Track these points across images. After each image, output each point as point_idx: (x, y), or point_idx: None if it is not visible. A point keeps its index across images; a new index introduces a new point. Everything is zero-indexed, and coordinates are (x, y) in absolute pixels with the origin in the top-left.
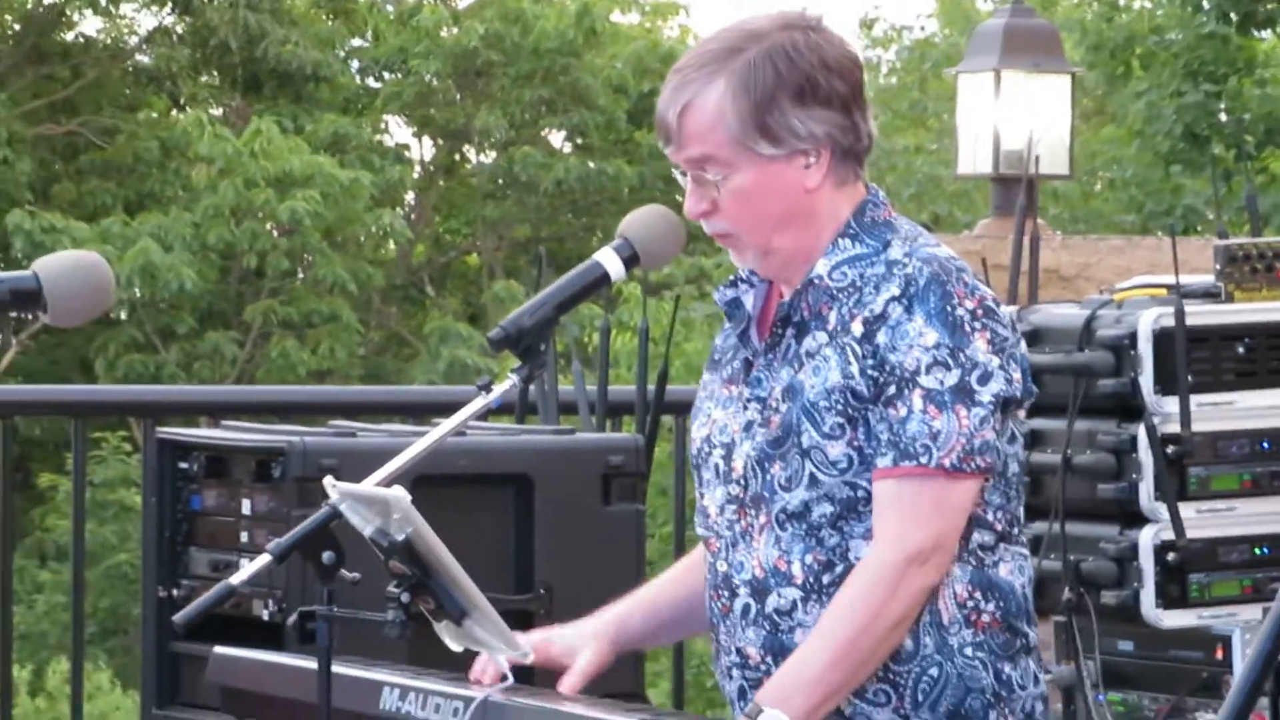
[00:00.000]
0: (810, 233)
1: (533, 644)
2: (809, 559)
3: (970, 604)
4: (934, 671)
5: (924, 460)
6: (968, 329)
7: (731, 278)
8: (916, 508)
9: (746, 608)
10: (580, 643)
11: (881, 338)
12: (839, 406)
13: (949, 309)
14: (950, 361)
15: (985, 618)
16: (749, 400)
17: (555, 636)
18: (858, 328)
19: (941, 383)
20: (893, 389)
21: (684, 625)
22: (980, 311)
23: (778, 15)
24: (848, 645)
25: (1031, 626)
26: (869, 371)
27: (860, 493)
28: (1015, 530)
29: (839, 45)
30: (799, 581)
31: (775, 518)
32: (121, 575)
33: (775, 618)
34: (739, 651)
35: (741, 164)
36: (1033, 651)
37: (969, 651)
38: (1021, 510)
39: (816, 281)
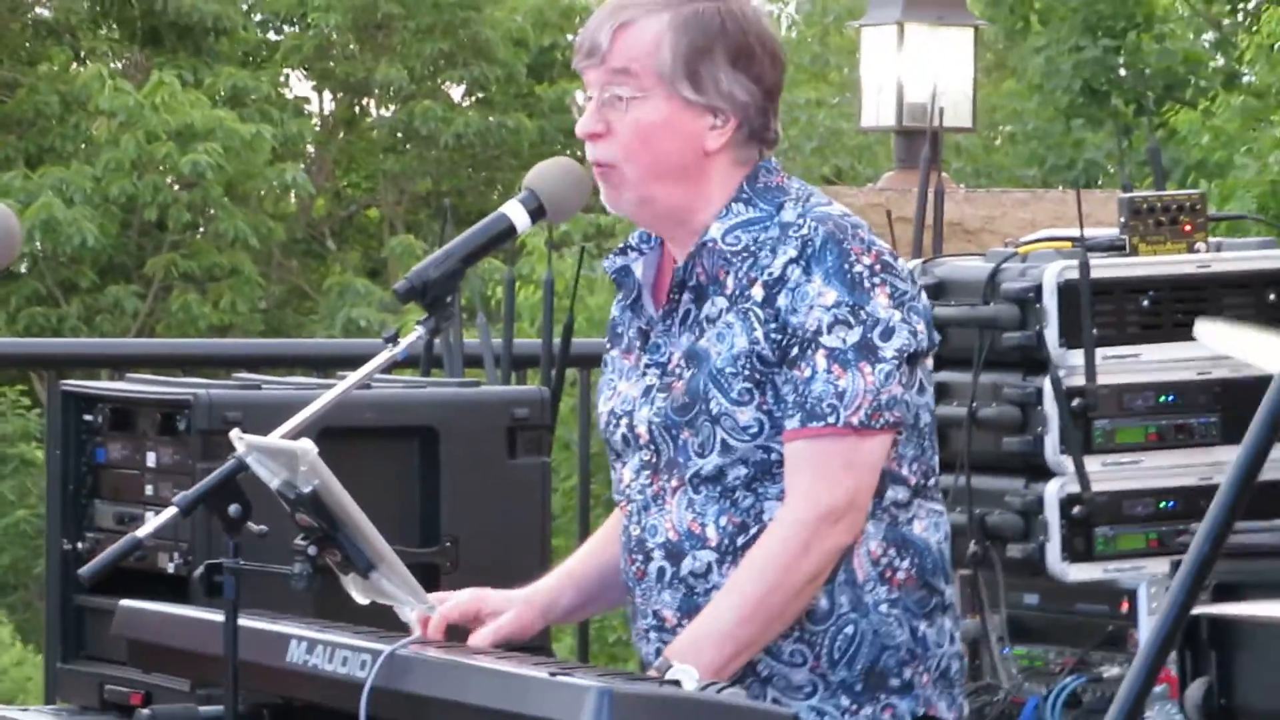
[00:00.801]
0: (694, 193)
1: (466, 600)
2: (723, 521)
3: (884, 561)
4: (849, 630)
5: (831, 419)
6: (866, 285)
7: (621, 245)
8: (827, 467)
9: (661, 571)
10: (508, 606)
11: (782, 300)
12: (745, 372)
13: (846, 266)
14: (851, 319)
15: (900, 575)
16: (648, 366)
17: (486, 598)
18: (758, 292)
19: (844, 341)
20: (796, 350)
21: (607, 597)
22: (878, 266)
23: None
24: (758, 601)
25: (948, 584)
26: (772, 335)
27: (774, 455)
28: (930, 483)
29: (776, 39)
30: (713, 544)
31: (689, 481)
32: (20, 531)
33: (690, 580)
34: (655, 614)
35: (656, 96)
36: (949, 609)
37: (884, 609)
38: (935, 461)
39: (710, 245)
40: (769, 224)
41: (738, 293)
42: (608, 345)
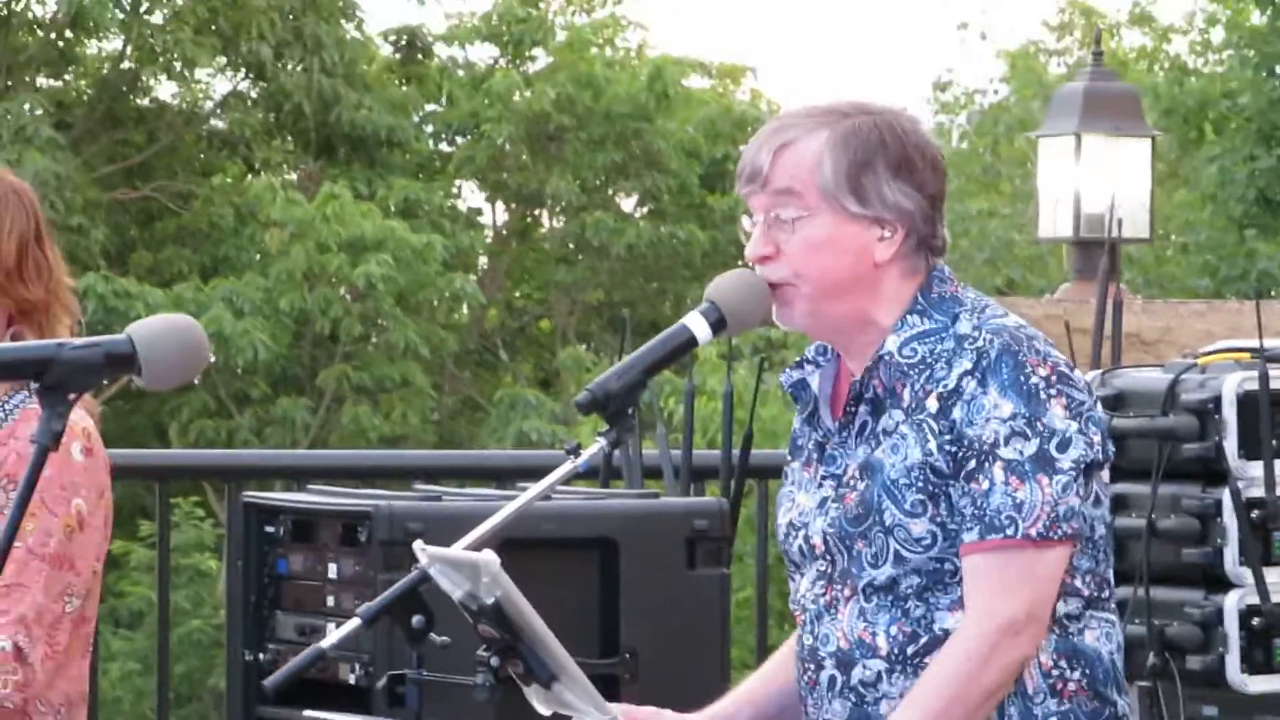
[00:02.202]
0: (867, 306)
1: (645, 717)
2: (894, 630)
3: (1055, 673)
4: None
5: (1010, 532)
6: (1043, 396)
7: (798, 359)
8: (1005, 579)
9: (832, 680)
10: None
11: (958, 412)
12: (919, 484)
13: (1022, 378)
14: (1028, 431)
15: (1071, 686)
16: (824, 478)
17: (665, 716)
18: (933, 404)
19: (1021, 453)
20: (973, 463)
21: (787, 716)
22: (1054, 378)
23: (887, 106)
24: (939, 714)
25: (1121, 694)
26: (947, 447)
27: (946, 566)
28: (1104, 594)
29: (935, 146)
30: (884, 653)
31: (861, 591)
32: (195, 642)
33: (861, 689)
34: None
35: (822, 213)
36: (1123, 719)
37: None
38: (1110, 573)
39: (887, 358)
40: (945, 335)
41: (913, 405)
42: (789, 457)
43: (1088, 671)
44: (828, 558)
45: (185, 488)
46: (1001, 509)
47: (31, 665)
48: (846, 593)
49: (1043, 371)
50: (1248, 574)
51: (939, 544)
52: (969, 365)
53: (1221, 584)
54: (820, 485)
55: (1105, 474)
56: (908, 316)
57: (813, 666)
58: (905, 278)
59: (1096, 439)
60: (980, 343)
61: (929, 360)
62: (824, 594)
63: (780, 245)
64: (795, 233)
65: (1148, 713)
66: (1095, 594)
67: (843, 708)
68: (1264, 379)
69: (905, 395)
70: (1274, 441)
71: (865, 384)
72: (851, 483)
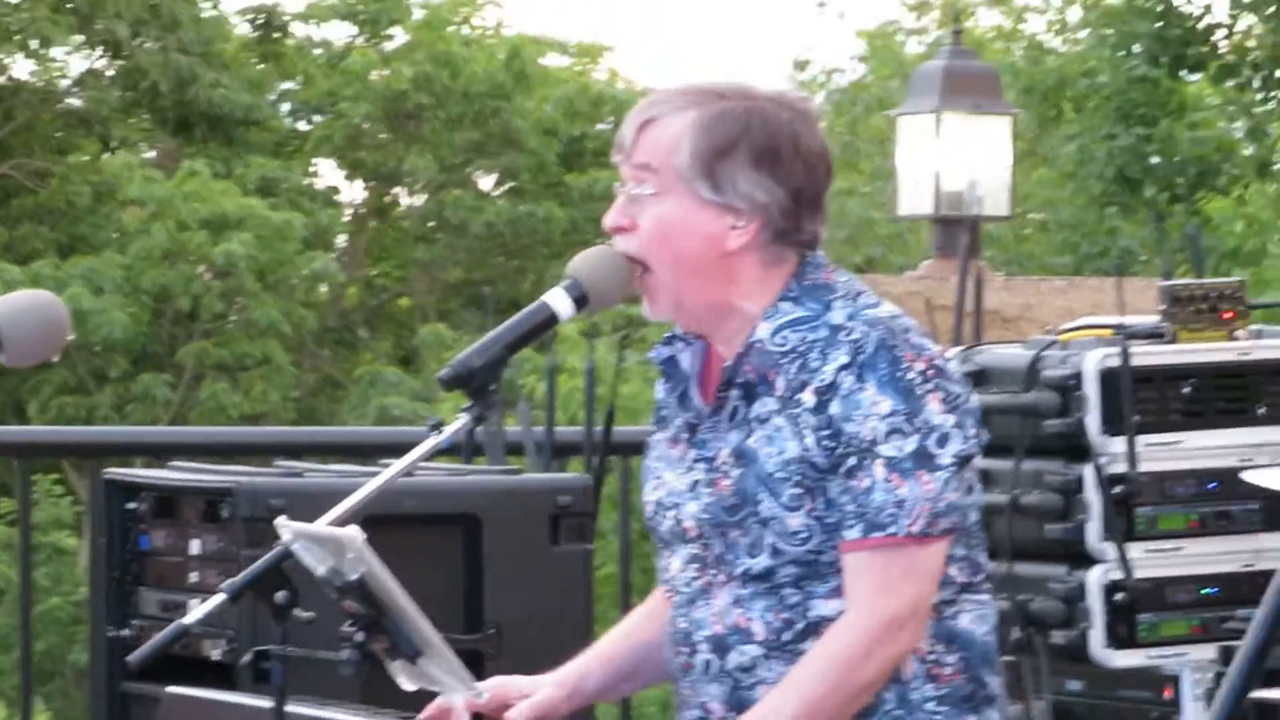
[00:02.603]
0: (726, 294)
1: (493, 686)
2: (770, 616)
3: (931, 657)
4: None
5: (892, 530)
6: (920, 392)
7: (668, 334)
8: (888, 577)
9: (707, 664)
10: (535, 689)
11: (835, 408)
12: (796, 478)
13: (899, 374)
14: (907, 427)
15: (947, 670)
16: (695, 461)
17: (514, 682)
18: (809, 398)
19: (901, 449)
20: (853, 460)
21: (640, 678)
22: (931, 372)
23: (778, 91)
24: (816, 702)
25: (994, 675)
26: (825, 442)
27: (824, 557)
28: (978, 578)
29: (819, 141)
30: (760, 639)
31: (738, 578)
32: (55, 619)
33: (737, 674)
34: (702, 706)
35: (674, 194)
36: (995, 701)
37: (930, 706)
38: (983, 557)
39: (758, 345)
40: (817, 324)
41: (788, 395)
42: (654, 427)
43: (964, 655)
44: (701, 542)
45: (45, 465)
46: (883, 507)
47: None
48: (722, 578)
49: (919, 366)
50: (1110, 549)
51: (815, 537)
52: (845, 359)
53: (1085, 559)
54: (691, 468)
55: (978, 460)
56: (780, 304)
57: (687, 650)
58: (768, 267)
59: (972, 431)
60: (856, 335)
61: (800, 349)
62: (698, 578)
63: (635, 219)
64: (647, 209)
65: (1013, 687)
66: (970, 579)
67: (719, 691)
68: (1125, 355)
69: (779, 384)
70: (1136, 417)
71: (737, 369)
72: (724, 468)
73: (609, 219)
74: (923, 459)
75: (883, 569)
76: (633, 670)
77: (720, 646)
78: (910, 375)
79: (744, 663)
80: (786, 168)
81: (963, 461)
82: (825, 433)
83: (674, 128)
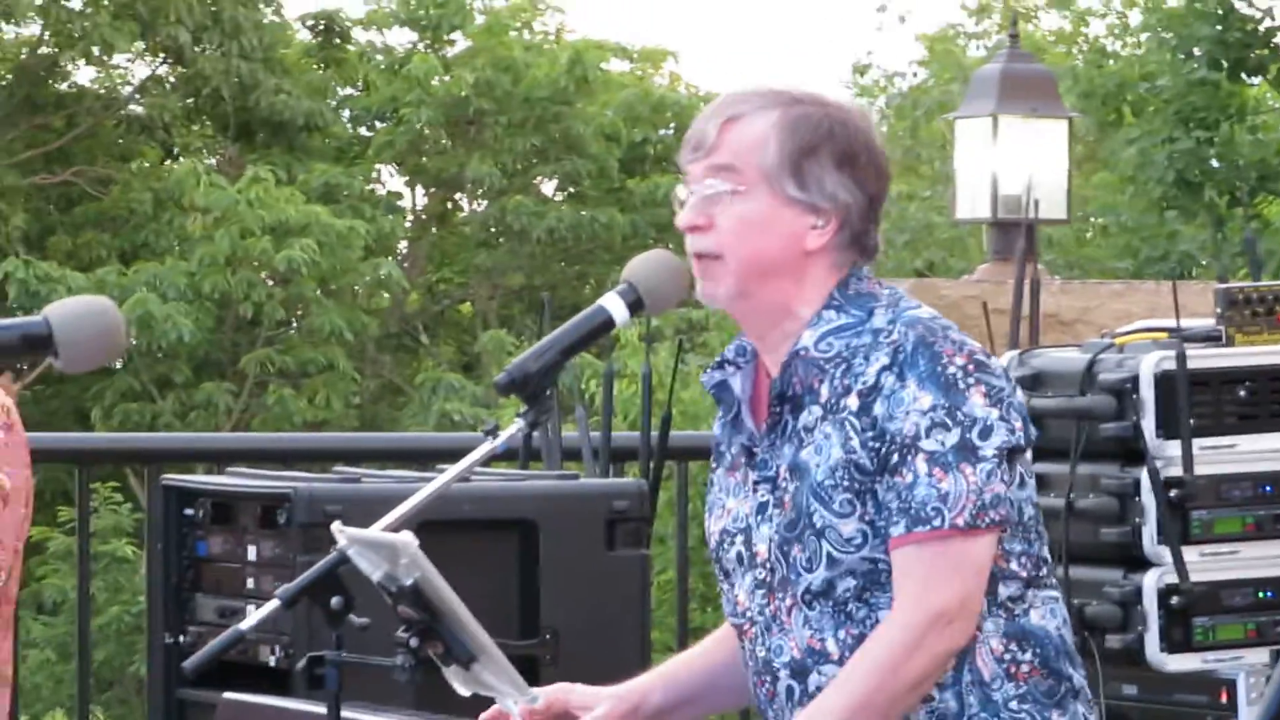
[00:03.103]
0: (792, 292)
1: (553, 693)
2: (842, 634)
3: (1007, 657)
4: None
5: (937, 523)
6: (961, 386)
7: (717, 359)
8: (935, 570)
9: (790, 690)
10: (599, 700)
11: (878, 409)
12: (845, 483)
13: (939, 369)
14: (949, 421)
15: (1024, 668)
16: (757, 483)
17: (574, 691)
18: (853, 401)
19: (943, 444)
20: (896, 457)
21: (705, 701)
22: (971, 366)
23: (847, 99)
24: (864, 699)
25: (1076, 669)
26: (870, 444)
27: (880, 565)
28: (1043, 573)
29: (883, 150)
30: (836, 658)
31: (801, 598)
32: (115, 629)
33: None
34: None
35: (760, 192)
36: (1080, 693)
37: (1014, 705)
38: (1045, 552)
39: (802, 354)
40: (861, 330)
41: (833, 401)
42: (712, 464)
43: (1039, 651)
44: (768, 566)
45: (105, 473)
46: (927, 501)
47: None
48: (789, 602)
49: (959, 360)
50: (1166, 553)
51: (870, 543)
52: (886, 360)
53: (1140, 563)
54: (755, 490)
55: (1029, 456)
56: (823, 312)
57: (769, 678)
58: (831, 271)
59: (1018, 424)
60: (895, 336)
61: (845, 355)
62: (768, 604)
63: (713, 218)
64: (730, 207)
65: None
66: (1033, 574)
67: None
68: (1181, 358)
69: (824, 391)
70: (1191, 421)
71: (785, 382)
72: (784, 485)
73: (684, 218)
74: (965, 452)
75: (929, 563)
76: (699, 693)
77: (799, 671)
78: (951, 370)
79: (824, 684)
80: (863, 171)
81: (1008, 454)
82: (870, 434)
83: (758, 126)
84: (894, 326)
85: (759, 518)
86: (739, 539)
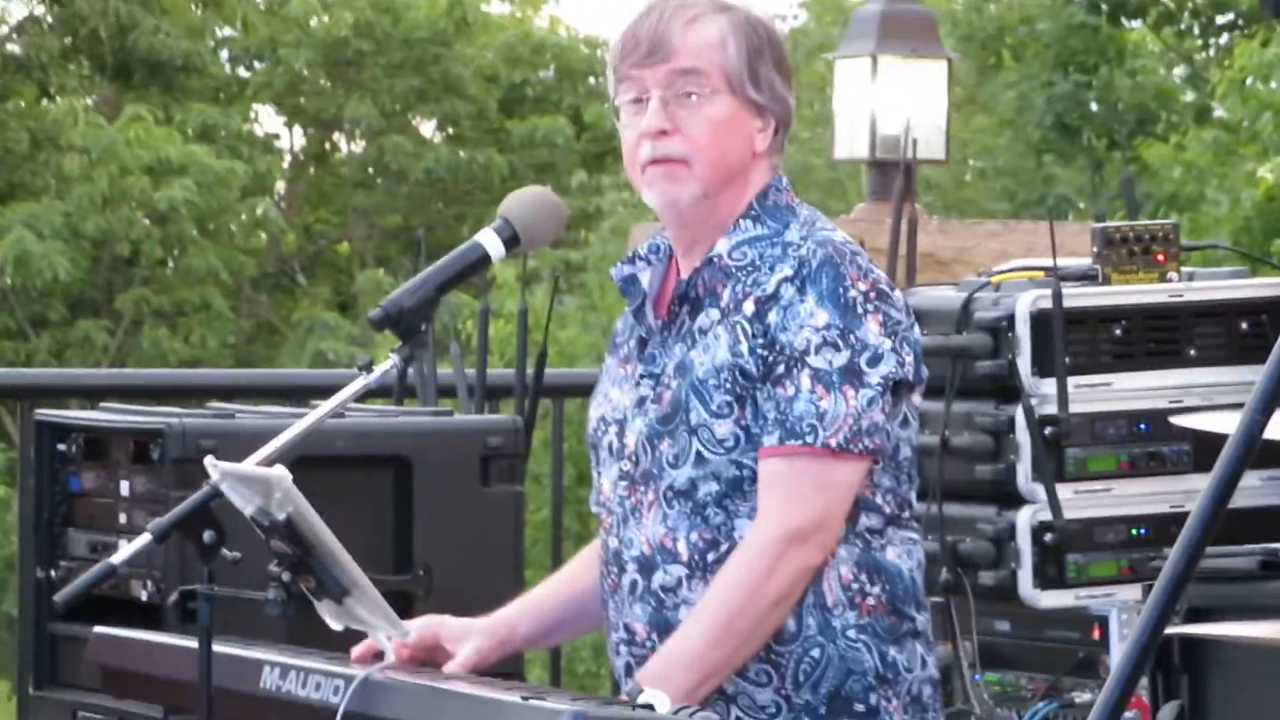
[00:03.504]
0: (738, 197)
1: (422, 629)
2: (694, 536)
3: (855, 586)
4: (815, 653)
5: (810, 439)
6: (860, 310)
7: (630, 253)
8: (800, 486)
9: (634, 584)
10: (468, 634)
11: (773, 317)
12: (727, 385)
13: (841, 290)
14: (840, 342)
15: (870, 600)
16: (642, 376)
17: (445, 624)
18: (749, 307)
19: (830, 363)
20: (781, 368)
21: (572, 626)
22: (873, 294)
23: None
24: (726, 625)
25: (920, 611)
26: (759, 350)
27: (746, 472)
28: (905, 514)
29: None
30: (684, 559)
31: (663, 495)
32: None
33: (661, 594)
34: (626, 627)
35: (723, 94)
36: (921, 635)
37: (852, 634)
38: (913, 494)
39: (715, 260)
40: (774, 241)
41: (730, 305)
42: (608, 354)
43: (887, 587)
44: (633, 459)
45: None
46: (804, 416)
47: None
48: (650, 497)
49: (862, 286)
50: (1040, 490)
51: (740, 446)
52: (790, 272)
53: (1014, 500)
54: (638, 384)
55: (917, 397)
56: (740, 221)
57: (615, 570)
58: (764, 175)
59: (909, 359)
60: (804, 251)
61: (755, 264)
62: (629, 496)
63: (679, 122)
64: (698, 111)
65: (940, 628)
66: (896, 512)
67: (643, 612)
68: (1057, 297)
69: (724, 296)
70: (1066, 359)
71: (691, 284)
72: (667, 381)
73: (648, 123)
74: (851, 375)
75: (795, 478)
76: (565, 619)
77: (646, 566)
78: (852, 293)
79: (667, 583)
80: (789, 75)
81: (894, 385)
82: (760, 341)
83: (717, 28)
84: (805, 242)
85: (636, 409)
86: (613, 428)
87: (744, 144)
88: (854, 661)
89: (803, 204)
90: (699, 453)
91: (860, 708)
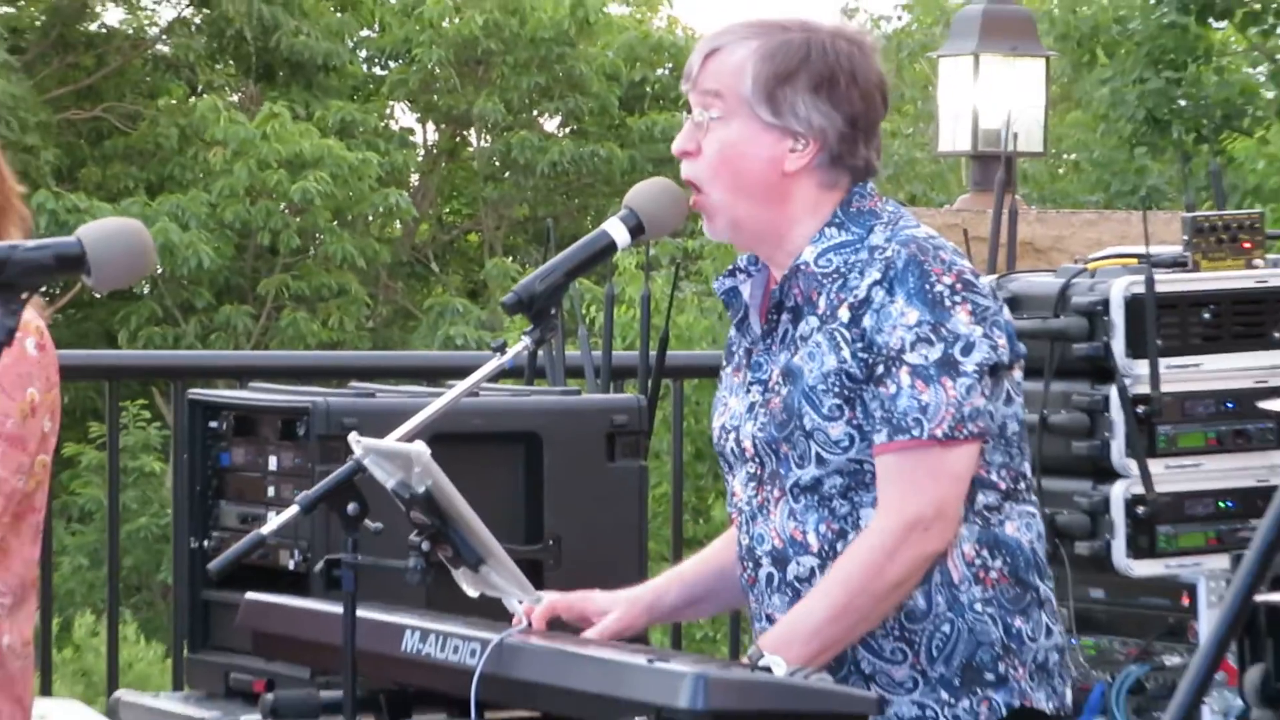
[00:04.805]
0: (780, 214)
1: (570, 601)
2: (822, 528)
3: (978, 562)
4: (946, 628)
5: (916, 433)
6: (948, 304)
7: (730, 267)
8: (914, 478)
9: (770, 576)
10: (613, 605)
11: (868, 321)
12: (835, 389)
13: (927, 287)
14: (933, 337)
15: (993, 574)
16: (751, 384)
17: (594, 597)
18: (844, 313)
19: (926, 358)
20: (881, 368)
21: (716, 599)
22: (959, 285)
23: (837, 25)
24: (845, 603)
25: (1044, 580)
26: (859, 354)
27: (866, 467)
28: (1021, 486)
29: (876, 73)
30: (815, 549)
31: (789, 491)
32: (142, 538)
33: (796, 584)
34: (767, 617)
35: (738, 117)
36: (1046, 604)
37: (978, 607)
38: (1026, 467)
39: (803, 268)
40: (859, 247)
41: (828, 313)
42: (724, 364)
43: (1009, 560)
44: (757, 460)
45: (133, 391)
46: (908, 411)
47: None
48: (776, 494)
49: (947, 280)
50: (1133, 465)
51: (856, 445)
52: (878, 275)
53: (1108, 475)
54: (748, 390)
55: (1018, 374)
56: (825, 229)
57: (751, 565)
58: (822, 191)
59: (1001, 341)
60: (889, 253)
61: (843, 270)
62: (756, 495)
63: (700, 143)
64: (711, 133)
65: None
66: (1011, 486)
67: (781, 601)
68: (1150, 282)
69: (821, 303)
70: (1158, 341)
71: (785, 292)
72: (775, 388)
73: (677, 144)
74: (947, 366)
75: (909, 471)
76: (712, 591)
77: (779, 559)
78: (939, 288)
79: (801, 573)
80: (844, 95)
81: (989, 370)
82: (859, 345)
83: (738, 55)
84: (889, 244)
85: (747, 415)
86: (733, 435)
87: (765, 165)
88: (982, 634)
89: (888, 203)
90: (818, 454)
91: (990, 676)
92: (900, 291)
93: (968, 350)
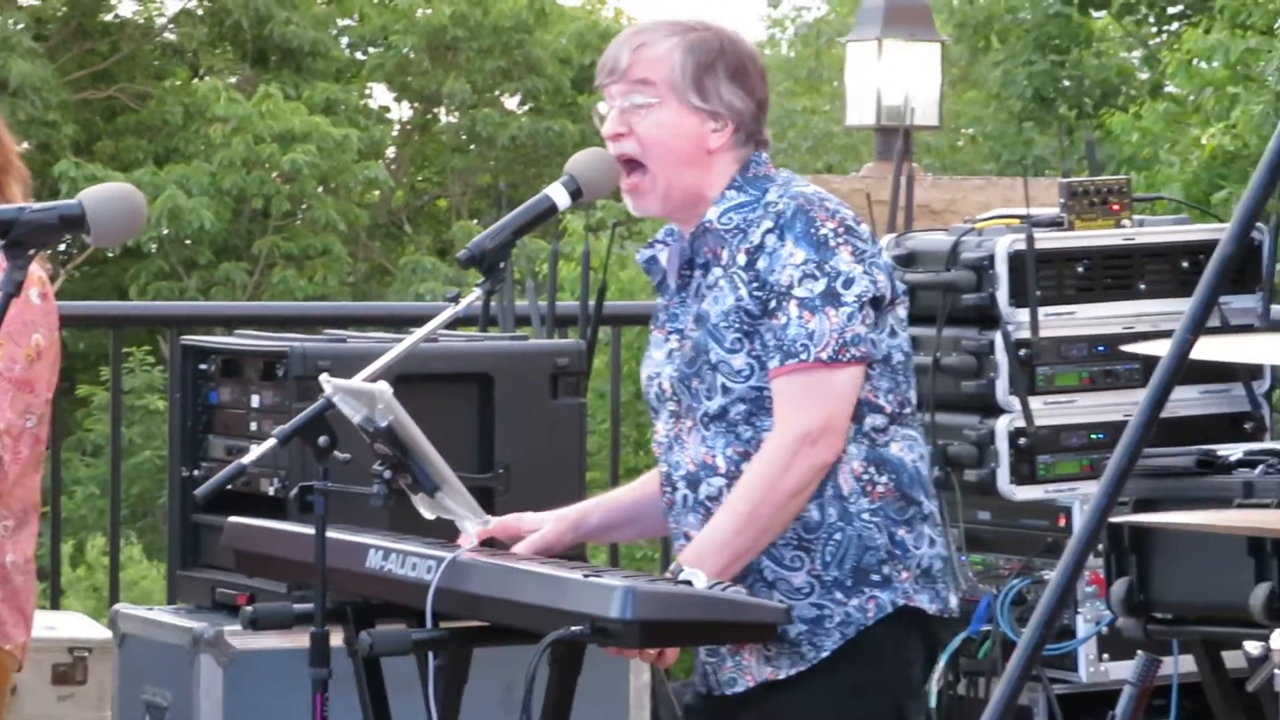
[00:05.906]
0: (703, 182)
1: (505, 522)
2: (730, 451)
3: (865, 477)
4: (838, 536)
5: (804, 357)
6: (831, 244)
7: (650, 240)
8: (802, 396)
9: (685, 498)
10: (543, 524)
11: (761, 263)
12: (735, 324)
13: (813, 231)
14: (817, 273)
15: (880, 488)
16: (669, 334)
17: (526, 517)
18: (742, 258)
19: (812, 291)
20: (774, 303)
21: (636, 525)
22: (841, 229)
23: (729, 26)
24: (749, 515)
25: (928, 497)
26: (755, 293)
27: (765, 394)
28: (906, 411)
29: (761, 60)
30: (723, 471)
31: (700, 420)
32: (146, 469)
33: (707, 503)
34: (685, 535)
35: (670, 102)
36: (929, 518)
37: (865, 516)
38: (912, 394)
39: (708, 225)
40: (756, 205)
41: (729, 261)
42: (651, 327)
43: (894, 476)
44: (675, 399)
45: (140, 338)
46: (796, 338)
47: (5, 470)
48: (689, 424)
49: (831, 225)
50: (1015, 402)
51: (756, 374)
52: (770, 224)
53: (994, 410)
54: (667, 339)
55: (901, 311)
56: (726, 192)
57: (669, 489)
58: (733, 163)
59: (881, 278)
60: (780, 206)
61: (743, 226)
62: (674, 428)
63: (632, 126)
64: (646, 116)
65: None
66: (897, 411)
67: (696, 520)
68: (1030, 240)
69: (724, 255)
70: (1038, 292)
71: (695, 249)
72: (689, 333)
73: (608, 128)
74: (830, 298)
75: (798, 391)
76: (632, 517)
77: (693, 482)
78: (823, 231)
79: (711, 493)
80: (752, 82)
81: (870, 301)
82: (755, 285)
83: (664, 48)
84: (780, 199)
85: (666, 360)
86: (656, 381)
87: (693, 142)
88: (869, 539)
89: (780, 170)
90: (724, 385)
91: (876, 578)
92: (789, 236)
93: (849, 284)
